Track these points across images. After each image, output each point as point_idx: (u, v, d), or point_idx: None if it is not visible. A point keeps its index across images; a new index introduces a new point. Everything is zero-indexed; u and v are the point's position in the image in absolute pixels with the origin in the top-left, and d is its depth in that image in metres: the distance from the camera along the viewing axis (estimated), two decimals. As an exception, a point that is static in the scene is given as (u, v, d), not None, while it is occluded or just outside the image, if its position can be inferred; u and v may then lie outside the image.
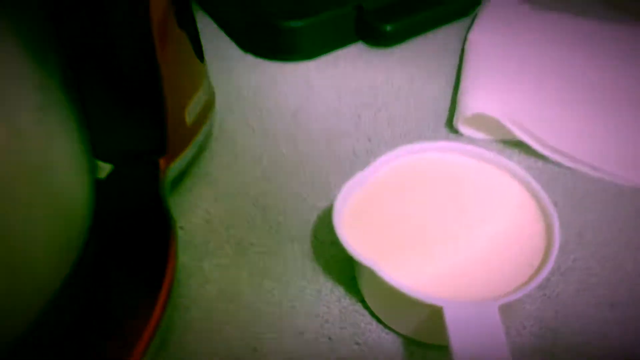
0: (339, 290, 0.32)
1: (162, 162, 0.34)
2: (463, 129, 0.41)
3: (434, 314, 0.26)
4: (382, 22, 0.48)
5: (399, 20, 0.49)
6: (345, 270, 0.33)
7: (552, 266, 0.28)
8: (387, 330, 0.30)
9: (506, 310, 0.29)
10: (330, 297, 0.32)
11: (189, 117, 0.35)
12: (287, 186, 0.38)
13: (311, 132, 0.42)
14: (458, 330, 0.24)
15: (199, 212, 0.36)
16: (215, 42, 0.51)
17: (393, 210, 0.30)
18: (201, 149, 0.39)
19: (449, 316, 0.25)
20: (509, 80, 0.43)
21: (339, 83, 0.46)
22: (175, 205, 0.37)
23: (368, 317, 0.31)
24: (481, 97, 0.40)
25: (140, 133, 0.33)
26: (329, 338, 0.30)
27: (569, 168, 0.39)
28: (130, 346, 0.25)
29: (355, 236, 0.28)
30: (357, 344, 0.30)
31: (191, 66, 0.35)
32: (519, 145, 0.40)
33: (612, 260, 0.34)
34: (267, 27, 0.48)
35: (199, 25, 0.36)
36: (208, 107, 0.38)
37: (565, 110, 0.41)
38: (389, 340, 0.30)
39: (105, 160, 0.33)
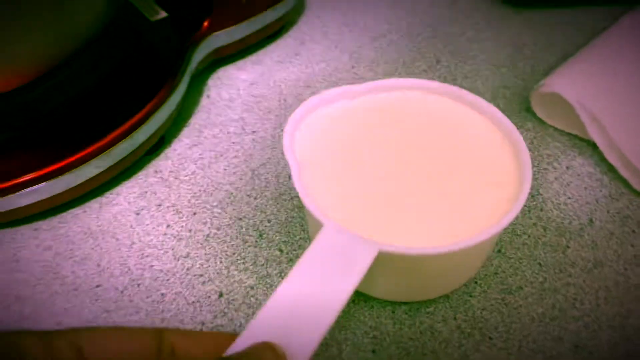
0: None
1: (205, 23, 0.35)
2: (536, 107, 0.35)
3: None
4: (521, -24, 0.42)
5: (540, -21, 0.42)
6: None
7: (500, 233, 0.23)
8: (314, 253, 0.29)
9: (414, 268, 0.25)
10: (281, 201, 0.31)
11: (245, -5, 0.36)
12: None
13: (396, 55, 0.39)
14: (318, 252, 0.22)
15: (232, 91, 0.38)
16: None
17: (351, 146, 0.27)
18: (264, 34, 0.39)
19: (322, 235, 0.22)
20: (612, 82, 0.34)
21: (442, 22, 0.42)
22: (217, 75, 0.38)
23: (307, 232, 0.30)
24: (565, 80, 0.33)
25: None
26: (260, 234, 0.30)
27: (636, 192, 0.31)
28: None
29: (305, 150, 0.26)
30: (280, 250, 0.29)
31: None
32: (594, 147, 0.33)
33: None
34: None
35: None
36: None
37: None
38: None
39: (164, 8, 0.36)
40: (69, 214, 0.31)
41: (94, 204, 0.31)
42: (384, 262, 0.22)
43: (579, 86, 0.33)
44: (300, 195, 0.24)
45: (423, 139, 0.27)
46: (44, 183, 0.28)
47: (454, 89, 0.28)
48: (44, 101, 0.29)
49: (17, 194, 0.28)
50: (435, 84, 0.29)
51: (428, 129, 0.27)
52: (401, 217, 0.24)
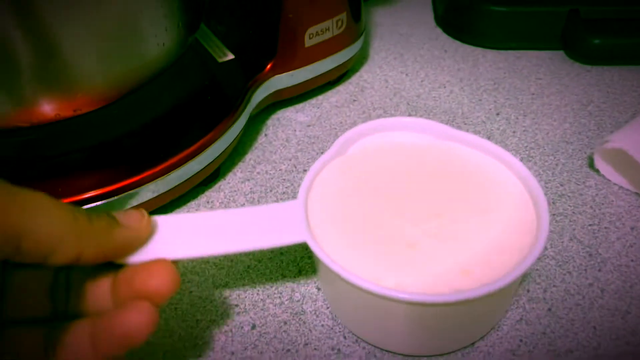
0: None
1: (268, 65, 0.37)
2: (600, 164, 0.33)
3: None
4: (591, 33, 0.41)
5: (611, 37, 0.41)
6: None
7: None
8: (352, 294, 0.28)
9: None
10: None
11: (309, 40, 0.37)
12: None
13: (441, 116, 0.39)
14: (269, 210, 0.25)
15: (289, 132, 0.39)
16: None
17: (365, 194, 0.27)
18: (324, 79, 0.40)
19: (286, 203, 0.25)
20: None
21: (505, 76, 0.42)
22: (276, 115, 0.40)
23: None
24: (633, 137, 0.32)
25: (257, 33, 0.37)
26: (299, 270, 0.29)
27: None
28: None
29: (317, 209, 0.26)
30: (318, 288, 0.29)
31: (324, 1, 0.36)
32: (664, 210, 0.31)
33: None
34: (472, 6, 0.46)
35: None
36: (339, 44, 0.39)
37: None
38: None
39: (230, 50, 0.38)
40: (121, 236, 0.32)
41: (145, 228, 0.32)
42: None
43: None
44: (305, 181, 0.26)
45: (444, 185, 0.26)
46: (101, 201, 0.29)
47: (485, 142, 0.28)
48: (110, 126, 0.32)
49: (75, 210, 0.29)
50: (463, 134, 0.28)
51: (452, 176, 0.27)
52: (400, 255, 0.24)
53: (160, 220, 0.24)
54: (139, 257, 0.23)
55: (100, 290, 0.23)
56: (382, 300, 0.22)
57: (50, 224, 0.19)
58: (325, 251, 0.24)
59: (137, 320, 0.21)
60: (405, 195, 0.26)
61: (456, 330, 0.24)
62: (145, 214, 0.23)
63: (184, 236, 0.24)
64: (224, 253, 0.24)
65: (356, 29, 0.40)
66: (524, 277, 0.28)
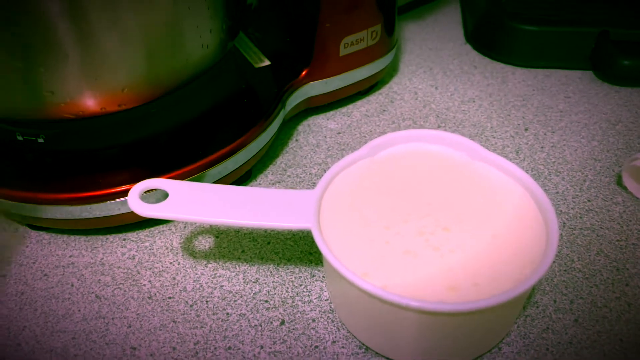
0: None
1: (303, 72, 0.38)
2: (628, 182, 0.34)
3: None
4: (620, 54, 0.42)
5: (641, 59, 0.42)
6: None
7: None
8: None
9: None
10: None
11: (344, 50, 0.38)
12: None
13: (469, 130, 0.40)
14: (285, 194, 0.27)
15: (319, 138, 0.39)
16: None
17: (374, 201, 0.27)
18: (355, 89, 0.41)
19: (302, 191, 0.27)
20: None
21: (534, 93, 0.42)
22: (307, 122, 0.41)
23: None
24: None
25: (293, 41, 0.38)
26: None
27: None
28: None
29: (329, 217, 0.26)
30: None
31: (360, 12, 0.38)
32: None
33: None
34: (502, 25, 0.46)
35: None
36: (373, 55, 0.40)
37: None
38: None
39: (267, 56, 0.39)
40: (156, 229, 0.33)
41: (180, 223, 0.33)
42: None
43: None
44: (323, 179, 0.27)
45: (461, 202, 0.27)
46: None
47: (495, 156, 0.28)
48: (151, 123, 0.33)
49: (113, 201, 0.30)
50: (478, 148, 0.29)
51: (472, 195, 0.27)
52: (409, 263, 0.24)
53: (176, 184, 0.27)
54: (150, 212, 0.26)
55: None
56: (372, 300, 0.22)
57: None
58: (327, 241, 0.24)
59: None
60: (420, 205, 0.26)
61: (457, 342, 0.24)
62: None
63: (194, 201, 0.26)
64: (231, 223, 0.26)
65: (389, 40, 0.41)
66: (538, 290, 0.29)
